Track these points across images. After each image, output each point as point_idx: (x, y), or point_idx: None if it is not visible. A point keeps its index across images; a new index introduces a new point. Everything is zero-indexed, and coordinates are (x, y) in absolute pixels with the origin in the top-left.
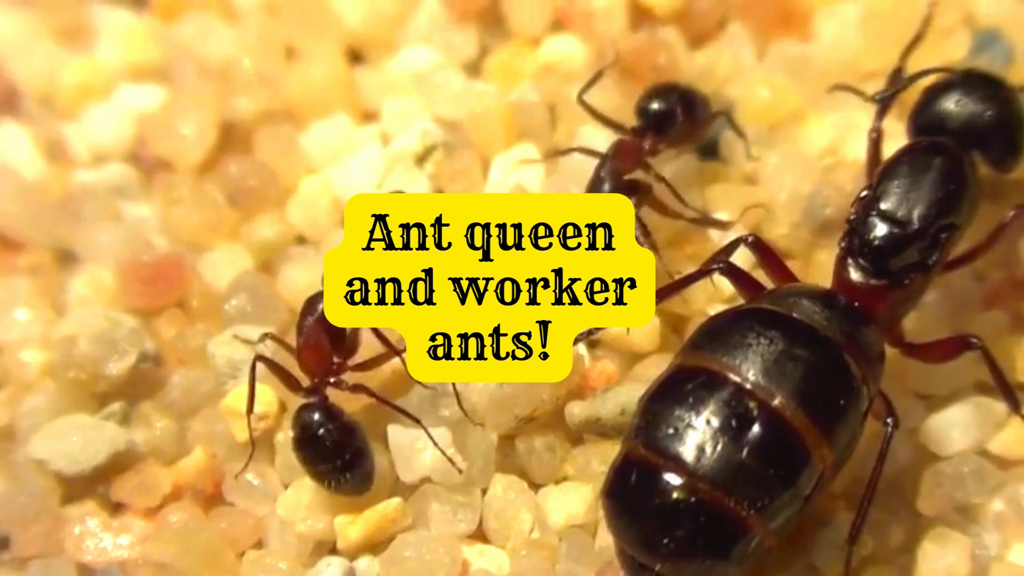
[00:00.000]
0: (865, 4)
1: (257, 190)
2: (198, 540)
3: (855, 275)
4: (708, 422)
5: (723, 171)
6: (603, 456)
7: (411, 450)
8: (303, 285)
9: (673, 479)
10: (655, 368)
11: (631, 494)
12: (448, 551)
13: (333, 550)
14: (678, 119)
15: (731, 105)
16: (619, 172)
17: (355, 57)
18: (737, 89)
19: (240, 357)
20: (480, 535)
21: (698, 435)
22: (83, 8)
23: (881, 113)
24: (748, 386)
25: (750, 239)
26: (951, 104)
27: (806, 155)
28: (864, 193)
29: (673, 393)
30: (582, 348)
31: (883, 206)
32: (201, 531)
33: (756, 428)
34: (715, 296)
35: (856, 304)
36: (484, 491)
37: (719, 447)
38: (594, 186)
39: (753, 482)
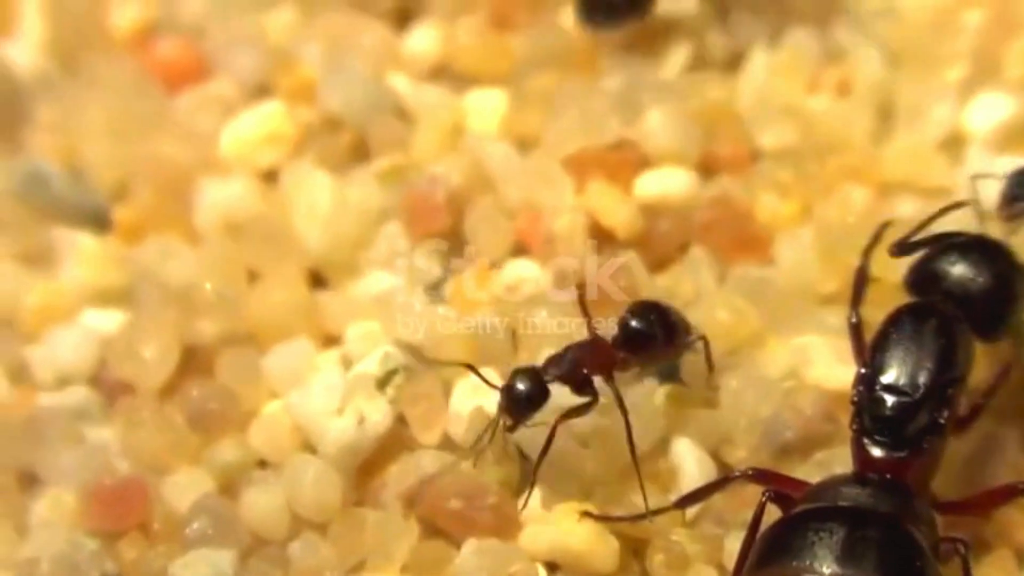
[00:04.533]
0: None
1: (218, 414)
2: None
3: (877, 452)
4: None
5: (683, 394)
6: None
7: None
8: (265, 508)
9: None
10: None
11: None
12: None
13: None
14: (658, 341)
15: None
16: (582, 363)
17: (317, 281)
18: (697, 312)
19: None
20: None
21: None
22: (46, 231)
23: (856, 301)
24: None
25: (750, 472)
26: (944, 263)
27: (766, 378)
28: (863, 371)
29: None
30: (542, 572)
31: (885, 380)
32: None
33: None
34: (677, 520)
35: (888, 477)
36: None
37: None
38: (554, 362)
39: None
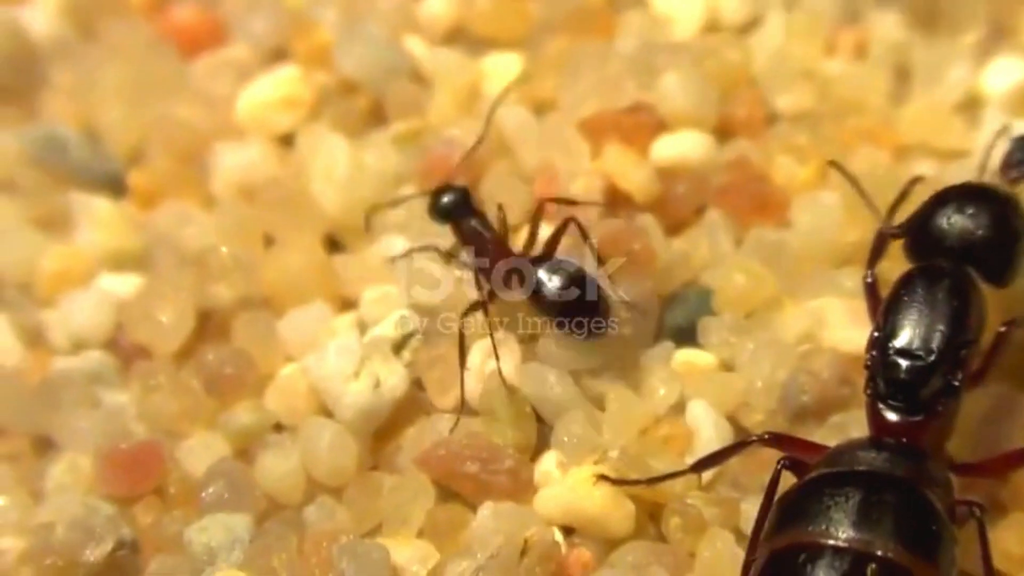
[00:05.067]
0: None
1: (234, 378)
2: None
3: (891, 416)
4: None
5: (699, 357)
6: None
7: None
8: (281, 472)
9: None
10: (632, 555)
11: None
12: None
13: None
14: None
15: (708, 292)
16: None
17: (333, 244)
18: (714, 276)
19: (216, 544)
20: None
21: None
22: (62, 195)
23: (873, 260)
24: (843, 544)
25: (766, 436)
26: (943, 221)
27: (782, 341)
28: (876, 334)
29: None
30: (558, 535)
31: (898, 343)
32: None
33: None
34: (693, 483)
35: (904, 440)
36: None
37: None
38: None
39: None
